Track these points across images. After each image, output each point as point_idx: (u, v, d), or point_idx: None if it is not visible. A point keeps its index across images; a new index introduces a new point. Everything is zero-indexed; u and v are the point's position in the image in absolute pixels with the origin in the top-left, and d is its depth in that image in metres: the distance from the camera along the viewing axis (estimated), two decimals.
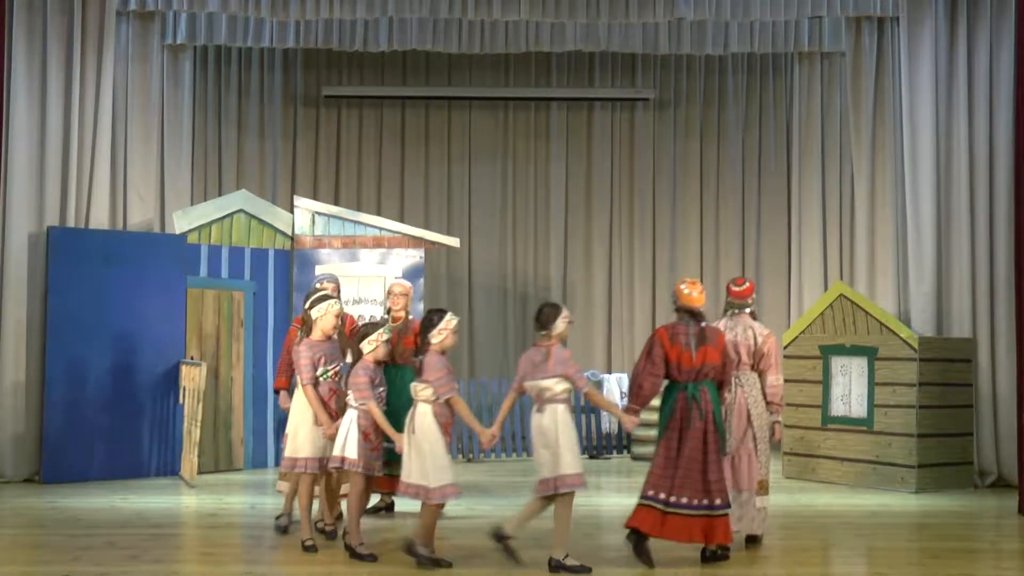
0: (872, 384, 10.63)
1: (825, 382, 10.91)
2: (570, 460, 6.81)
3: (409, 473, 6.91)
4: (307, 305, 7.62)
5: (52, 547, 7.65)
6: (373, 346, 7.24)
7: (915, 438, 10.35)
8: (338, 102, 14.13)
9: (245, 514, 9.13)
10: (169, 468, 10.95)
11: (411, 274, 12.25)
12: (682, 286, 7.25)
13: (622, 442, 13.11)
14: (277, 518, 8.21)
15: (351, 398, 7.24)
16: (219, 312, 11.46)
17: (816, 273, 13.13)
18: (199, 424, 10.46)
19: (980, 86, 11.24)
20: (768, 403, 7.70)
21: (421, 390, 6.93)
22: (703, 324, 7.15)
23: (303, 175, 14.07)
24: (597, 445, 12.99)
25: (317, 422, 7.45)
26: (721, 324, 7.73)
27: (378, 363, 7.33)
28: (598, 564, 7.06)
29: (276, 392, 8.75)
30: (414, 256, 12.30)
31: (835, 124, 13.12)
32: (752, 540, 7.68)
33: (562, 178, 14.36)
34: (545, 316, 6.94)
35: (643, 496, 7.05)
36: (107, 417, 10.68)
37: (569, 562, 6.85)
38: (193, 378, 10.56)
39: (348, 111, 14.21)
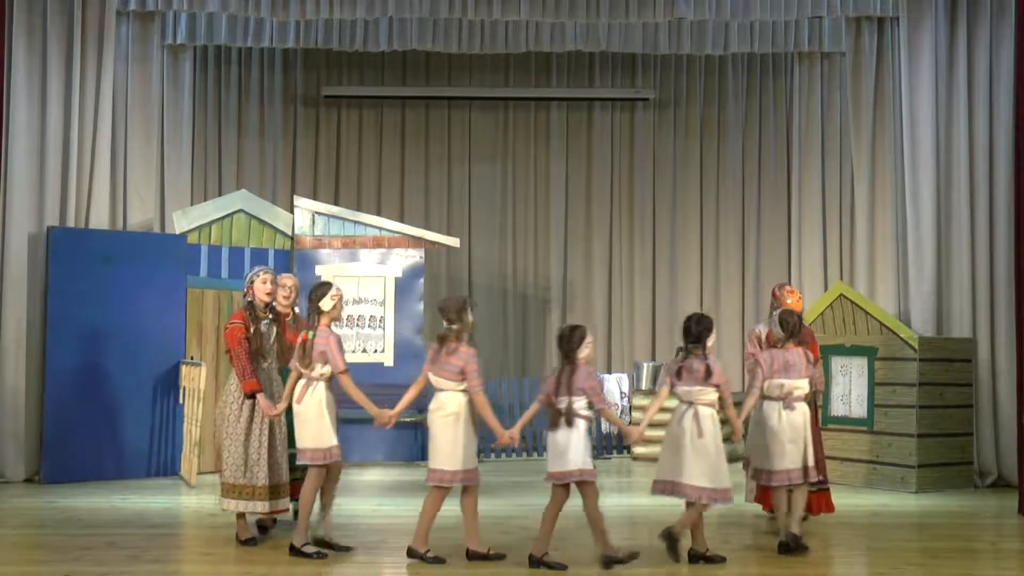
0: (872, 384, 10.63)
1: (825, 382, 10.90)
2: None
3: (692, 475, 7.01)
4: (450, 313, 7.24)
5: (52, 547, 7.64)
6: (588, 349, 7.01)
7: (915, 438, 10.35)
8: (338, 102, 14.13)
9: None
10: (169, 468, 10.95)
11: (411, 274, 12.27)
12: (784, 291, 8.58)
13: (622, 442, 13.11)
14: (327, 545, 7.41)
15: (581, 405, 6.93)
16: (219, 312, 11.47)
17: (816, 273, 13.13)
18: (199, 424, 10.47)
19: (980, 86, 11.24)
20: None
21: (707, 395, 7.06)
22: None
23: (303, 175, 14.07)
24: (597, 446, 13.00)
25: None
26: (765, 324, 8.55)
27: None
28: (598, 565, 7.08)
29: (250, 396, 7.62)
30: (414, 256, 12.30)
31: (835, 124, 13.11)
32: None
33: (562, 178, 14.35)
34: (795, 323, 7.65)
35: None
36: (107, 417, 10.68)
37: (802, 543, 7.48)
38: (193, 378, 10.57)
39: (348, 111, 14.21)
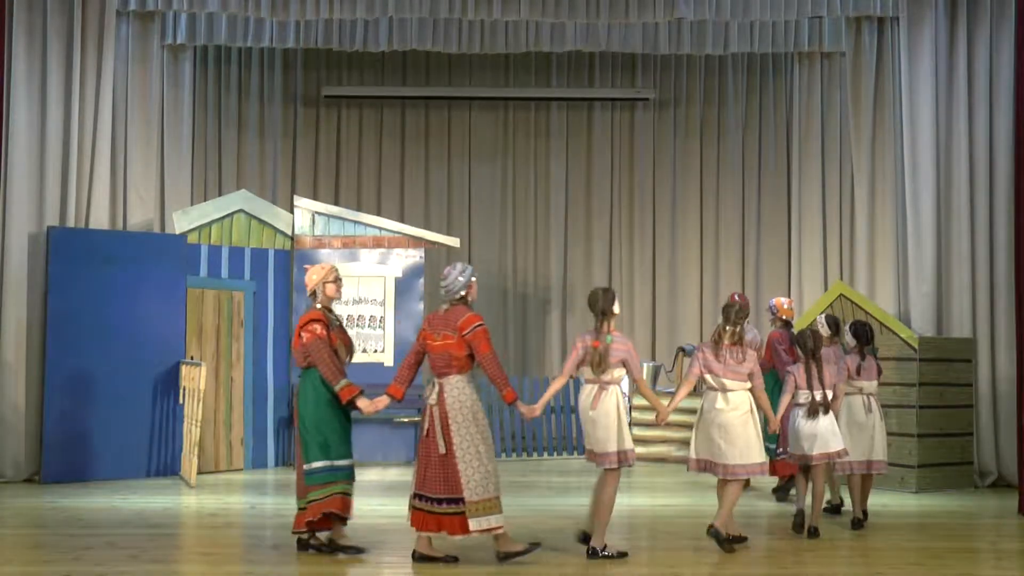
0: None
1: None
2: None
3: (881, 451, 8.73)
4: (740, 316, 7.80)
5: (52, 547, 7.64)
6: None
7: (915, 438, 10.35)
8: (338, 102, 14.12)
9: (245, 514, 9.13)
10: (169, 468, 10.95)
11: (411, 274, 12.27)
12: (783, 303, 10.10)
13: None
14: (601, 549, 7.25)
15: (831, 396, 8.29)
16: (219, 312, 11.47)
17: (816, 273, 13.12)
18: (199, 424, 10.47)
19: (980, 86, 11.24)
20: None
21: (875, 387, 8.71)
22: (792, 330, 9.80)
23: (303, 175, 14.06)
24: None
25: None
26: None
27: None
28: (600, 564, 7.08)
29: (511, 403, 7.19)
30: (414, 256, 12.31)
31: (835, 124, 13.11)
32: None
33: (562, 178, 14.34)
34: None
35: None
36: (107, 417, 10.67)
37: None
38: (193, 378, 10.57)
39: (348, 111, 14.20)
